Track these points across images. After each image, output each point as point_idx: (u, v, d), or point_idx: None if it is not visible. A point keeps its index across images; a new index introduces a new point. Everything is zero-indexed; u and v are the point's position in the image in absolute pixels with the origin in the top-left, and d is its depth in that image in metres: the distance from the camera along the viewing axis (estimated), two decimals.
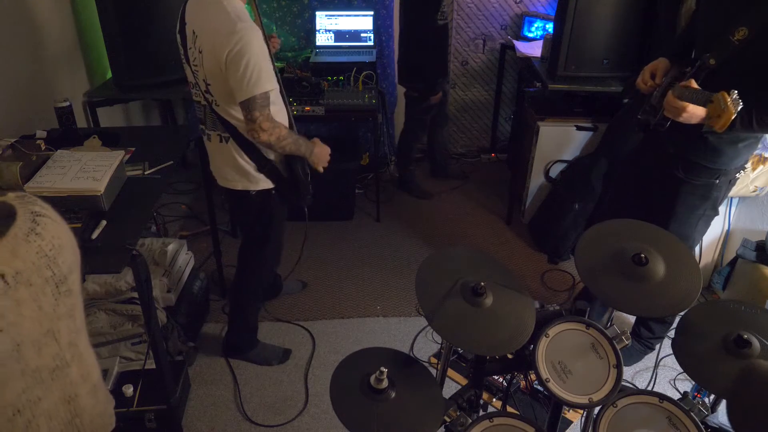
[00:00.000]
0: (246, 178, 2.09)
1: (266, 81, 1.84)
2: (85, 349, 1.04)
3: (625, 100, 2.93)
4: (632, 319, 2.63)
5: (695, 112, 1.74)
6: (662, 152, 2.08)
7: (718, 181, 2.02)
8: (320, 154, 2.17)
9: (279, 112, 2.03)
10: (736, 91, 1.57)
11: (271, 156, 2.07)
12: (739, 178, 2.10)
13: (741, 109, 1.61)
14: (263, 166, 2.07)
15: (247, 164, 2.06)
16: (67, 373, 0.98)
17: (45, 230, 0.90)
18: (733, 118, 1.57)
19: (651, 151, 2.18)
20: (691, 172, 2.02)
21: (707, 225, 2.21)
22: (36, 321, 0.88)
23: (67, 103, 2.30)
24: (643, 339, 2.53)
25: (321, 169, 2.20)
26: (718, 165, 1.98)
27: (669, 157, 2.06)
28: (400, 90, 3.84)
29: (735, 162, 1.99)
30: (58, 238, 0.93)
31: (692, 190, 2.05)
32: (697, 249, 2.85)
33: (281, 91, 2.08)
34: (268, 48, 1.94)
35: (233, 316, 2.56)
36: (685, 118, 1.76)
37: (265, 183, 2.11)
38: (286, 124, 2.08)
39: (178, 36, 1.99)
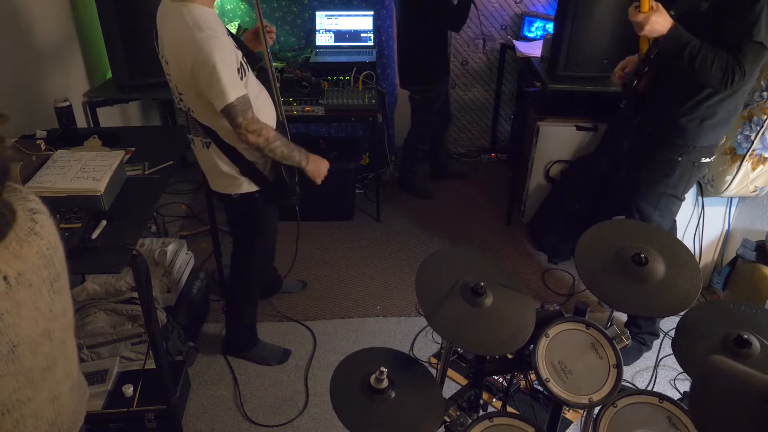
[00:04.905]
0: (229, 182, 2.07)
1: (235, 86, 1.78)
2: (70, 345, 1.03)
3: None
4: (625, 316, 2.64)
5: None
6: (640, 132, 2.28)
7: (680, 158, 2.14)
8: (316, 170, 2.14)
9: (263, 104, 1.99)
10: None
11: (253, 159, 2.04)
12: (704, 163, 2.19)
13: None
14: (246, 168, 2.03)
15: (229, 168, 2.03)
16: (55, 372, 0.97)
17: (43, 229, 0.89)
18: None
19: (635, 136, 2.37)
20: (658, 146, 2.18)
21: (669, 210, 2.30)
22: (33, 321, 0.88)
23: (67, 103, 2.30)
24: (635, 336, 2.53)
25: (318, 182, 2.18)
26: (682, 141, 2.12)
27: (644, 135, 2.25)
28: (401, 90, 3.83)
29: (699, 139, 2.10)
30: (54, 236, 0.92)
31: (656, 165, 2.21)
32: (697, 249, 2.86)
33: (267, 82, 2.06)
34: (265, 46, 1.99)
35: (230, 315, 2.57)
36: (646, 18, 1.86)
37: (248, 186, 2.08)
38: (273, 125, 2.04)
39: (155, 43, 1.94)
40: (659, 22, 1.87)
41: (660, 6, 1.87)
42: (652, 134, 2.21)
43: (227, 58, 1.77)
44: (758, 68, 1.98)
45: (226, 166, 2.03)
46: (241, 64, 1.87)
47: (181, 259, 2.71)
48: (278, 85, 2.17)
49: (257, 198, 2.12)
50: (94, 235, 1.69)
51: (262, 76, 2.05)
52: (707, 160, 2.18)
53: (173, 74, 1.87)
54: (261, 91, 2.03)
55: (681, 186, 2.22)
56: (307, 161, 2.10)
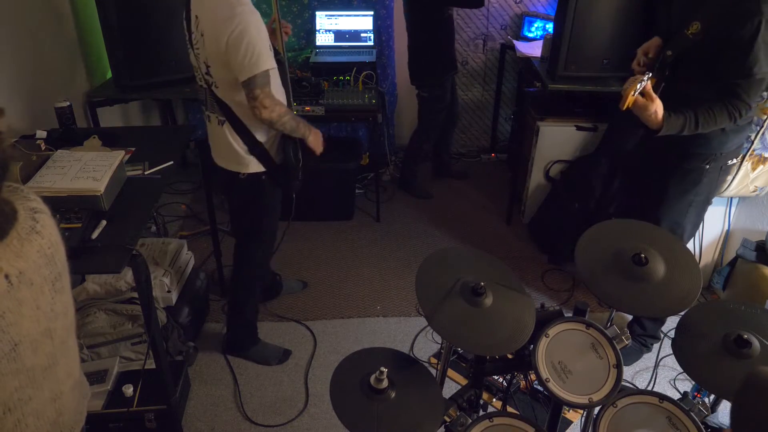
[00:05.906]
0: (237, 161, 2.15)
1: (266, 60, 1.93)
2: (72, 345, 1.03)
3: None
4: (628, 317, 2.64)
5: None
6: (659, 142, 2.17)
7: (708, 166, 2.11)
8: (316, 139, 2.25)
9: (276, 92, 2.10)
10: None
11: (263, 139, 2.13)
12: (731, 165, 2.17)
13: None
14: (254, 148, 2.12)
15: (240, 147, 2.12)
16: (56, 371, 0.97)
17: (44, 228, 0.89)
18: (630, 96, 1.77)
19: (650, 143, 2.25)
20: (684, 157, 2.13)
21: (699, 216, 2.27)
22: (34, 320, 0.88)
23: (67, 103, 2.30)
24: (637, 336, 2.54)
25: (318, 152, 2.27)
26: (709, 150, 2.08)
27: (665, 145, 2.16)
28: (401, 90, 3.83)
29: (725, 146, 2.08)
30: (55, 235, 0.92)
31: (684, 174, 2.16)
32: (697, 249, 2.86)
33: (284, 75, 2.16)
34: (281, 41, 2.09)
35: (232, 313, 2.58)
36: (638, 106, 1.83)
37: (255, 166, 2.16)
38: (284, 103, 2.15)
39: (184, 22, 2.07)
40: (649, 115, 1.83)
41: (656, 100, 1.81)
42: (672, 146, 2.11)
43: (262, 32, 1.93)
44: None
45: (236, 145, 2.11)
46: (271, 46, 1.99)
47: (181, 259, 2.71)
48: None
49: (263, 179, 2.19)
50: (94, 235, 1.68)
51: (280, 69, 2.14)
52: (733, 161, 2.17)
53: (207, 47, 1.95)
54: (278, 84, 2.12)
55: (711, 191, 2.20)
56: (310, 133, 2.21)
